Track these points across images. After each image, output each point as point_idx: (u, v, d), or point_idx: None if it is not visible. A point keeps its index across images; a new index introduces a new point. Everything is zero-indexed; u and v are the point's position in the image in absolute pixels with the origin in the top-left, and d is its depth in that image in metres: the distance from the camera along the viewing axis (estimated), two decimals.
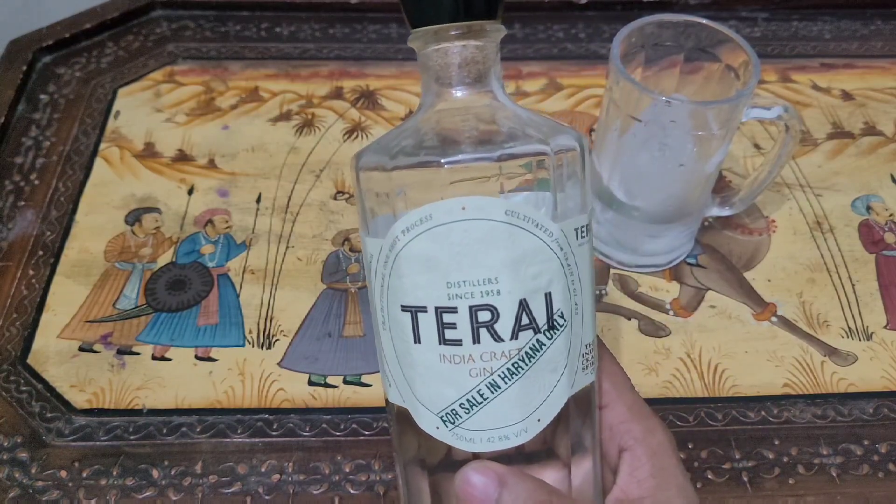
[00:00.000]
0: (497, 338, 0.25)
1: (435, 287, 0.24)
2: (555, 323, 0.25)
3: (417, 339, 0.25)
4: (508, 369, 0.25)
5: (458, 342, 0.25)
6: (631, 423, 0.28)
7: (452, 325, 0.24)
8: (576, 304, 0.26)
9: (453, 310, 0.24)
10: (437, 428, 0.26)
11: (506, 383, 0.25)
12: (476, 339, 0.24)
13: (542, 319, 0.25)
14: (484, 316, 0.24)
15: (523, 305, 0.24)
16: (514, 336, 0.25)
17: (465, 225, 0.24)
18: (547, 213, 0.25)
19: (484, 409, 0.25)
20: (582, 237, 0.26)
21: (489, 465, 0.25)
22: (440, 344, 0.25)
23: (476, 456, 0.26)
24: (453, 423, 0.25)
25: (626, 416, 0.28)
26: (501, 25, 0.26)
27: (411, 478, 0.28)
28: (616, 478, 0.28)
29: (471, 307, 0.24)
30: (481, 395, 0.25)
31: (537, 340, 0.25)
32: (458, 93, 0.26)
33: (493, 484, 0.25)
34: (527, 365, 0.25)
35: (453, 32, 0.26)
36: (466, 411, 0.25)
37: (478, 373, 0.25)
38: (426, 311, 0.25)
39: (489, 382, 0.25)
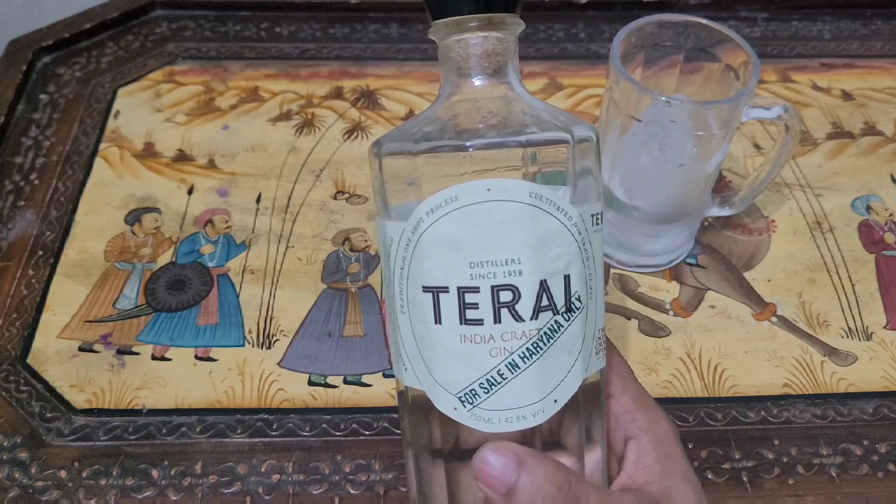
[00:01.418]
0: (518, 318, 0.25)
1: (458, 267, 0.25)
2: (572, 305, 0.26)
3: (438, 320, 0.25)
4: (528, 349, 0.25)
5: (479, 322, 0.25)
6: (636, 413, 0.28)
7: (474, 305, 0.25)
8: (591, 289, 0.26)
9: (475, 290, 0.25)
10: (455, 409, 0.26)
11: (525, 363, 0.25)
12: (497, 319, 0.25)
13: (560, 301, 0.25)
14: (506, 296, 0.25)
15: (543, 286, 0.25)
16: (535, 316, 0.25)
17: (489, 206, 0.24)
18: (565, 198, 0.25)
19: (503, 389, 0.25)
20: (597, 224, 0.27)
21: (507, 446, 0.25)
22: (461, 324, 0.25)
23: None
24: (471, 404, 0.26)
25: (630, 405, 0.29)
26: (520, 19, 0.27)
27: (423, 467, 0.28)
28: (622, 465, 0.28)
29: (493, 287, 0.25)
30: (501, 375, 0.25)
31: (556, 322, 0.25)
32: (478, 82, 0.27)
33: (511, 464, 0.25)
34: (545, 345, 0.25)
35: (475, 24, 0.26)
36: (485, 391, 0.26)
37: (498, 353, 0.25)
38: (448, 292, 0.25)
39: (509, 362, 0.25)
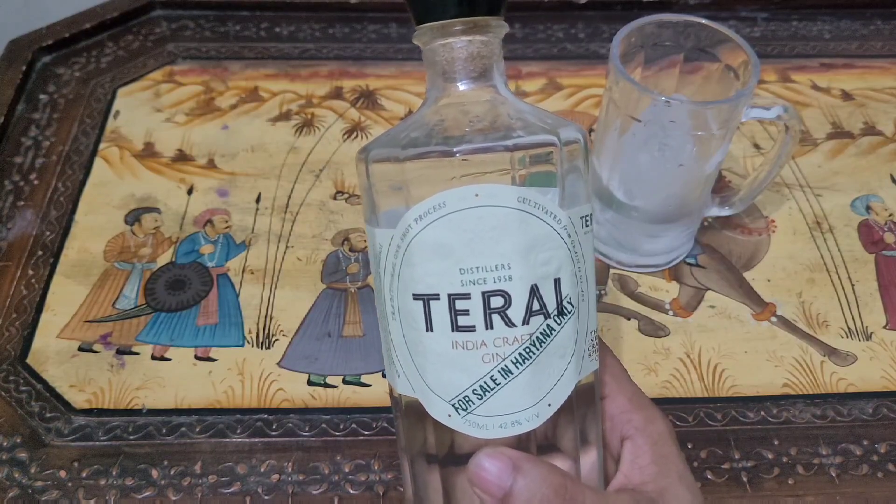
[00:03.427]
0: (509, 323, 0.25)
1: (448, 274, 0.25)
2: (564, 308, 0.26)
3: (430, 327, 0.25)
4: (520, 354, 0.25)
5: (470, 328, 0.25)
6: (631, 413, 0.29)
7: (465, 312, 0.25)
8: (582, 291, 0.26)
9: (466, 296, 0.25)
10: (449, 416, 0.26)
11: (518, 368, 0.25)
12: (489, 325, 0.25)
13: (551, 305, 0.25)
14: (497, 302, 0.25)
15: (534, 291, 0.25)
16: (526, 321, 0.25)
17: (478, 212, 0.24)
18: (554, 201, 0.25)
19: (496, 395, 0.25)
20: (586, 226, 0.27)
21: (503, 451, 0.25)
22: (453, 331, 0.25)
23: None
24: (465, 410, 0.26)
25: (626, 406, 0.29)
26: (504, 22, 0.27)
27: (419, 473, 0.28)
28: (618, 465, 0.28)
29: (484, 293, 0.25)
30: (494, 381, 0.25)
31: (548, 326, 0.25)
32: (463, 86, 0.27)
33: (507, 469, 0.25)
34: (538, 350, 0.25)
35: (459, 27, 0.26)
36: (479, 397, 0.25)
37: (490, 358, 0.25)
38: (439, 299, 0.25)
39: (502, 368, 0.25)
